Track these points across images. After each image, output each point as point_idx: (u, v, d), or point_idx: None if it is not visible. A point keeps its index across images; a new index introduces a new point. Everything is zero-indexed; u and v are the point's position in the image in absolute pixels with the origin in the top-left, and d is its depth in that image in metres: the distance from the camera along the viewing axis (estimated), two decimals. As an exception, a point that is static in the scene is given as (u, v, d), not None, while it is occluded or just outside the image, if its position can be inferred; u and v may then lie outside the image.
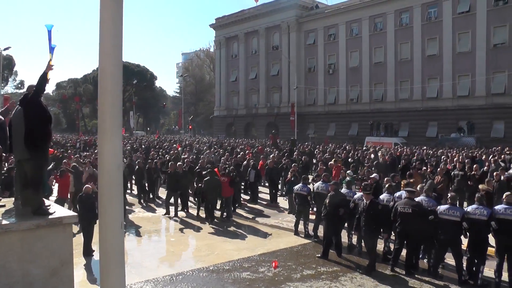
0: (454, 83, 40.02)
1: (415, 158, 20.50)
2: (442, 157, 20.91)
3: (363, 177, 13.12)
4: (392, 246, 9.30)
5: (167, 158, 19.70)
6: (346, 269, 8.95)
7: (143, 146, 29.18)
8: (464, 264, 8.09)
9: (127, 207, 13.63)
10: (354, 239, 10.45)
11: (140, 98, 79.23)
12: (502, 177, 12.71)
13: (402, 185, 11.47)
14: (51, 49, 5.33)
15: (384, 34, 45.40)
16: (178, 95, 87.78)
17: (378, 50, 46.22)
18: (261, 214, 14.88)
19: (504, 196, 8.01)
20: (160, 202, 16.35)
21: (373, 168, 16.31)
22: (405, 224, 8.52)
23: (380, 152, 23.02)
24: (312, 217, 11.75)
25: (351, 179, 13.00)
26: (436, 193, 9.95)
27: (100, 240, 3.34)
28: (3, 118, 5.66)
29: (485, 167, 15.82)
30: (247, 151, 23.34)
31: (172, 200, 14.43)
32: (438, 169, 14.64)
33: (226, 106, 63.48)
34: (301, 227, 11.70)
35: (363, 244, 9.64)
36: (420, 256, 9.23)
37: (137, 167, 16.85)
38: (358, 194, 9.92)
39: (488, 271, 8.04)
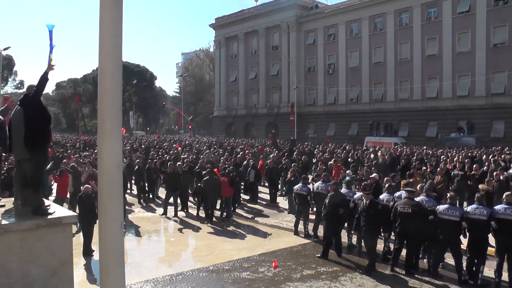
0: (454, 83, 40.03)
1: (414, 158, 20.49)
2: (442, 156, 20.91)
3: (361, 177, 13.11)
4: (392, 246, 9.30)
5: (167, 158, 19.69)
6: (346, 269, 8.95)
7: (143, 146, 29.18)
8: (464, 264, 8.10)
9: (126, 207, 13.62)
10: (354, 239, 10.45)
11: (140, 98, 79.24)
12: (501, 177, 12.71)
13: (401, 185, 11.48)
14: (50, 49, 5.33)
15: (384, 34, 45.41)
16: (178, 95, 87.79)
17: (378, 50, 46.23)
18: (261, 214, 14.88)
19: (504, 196, 8.00)
20: (160, 202, 16.34)
21: (372, 168, 16.29)
22: (404, 224, 8.52)
23: (380, 152, 23.01)
24: (312, 217, 11.75)
25: (351, 179, 13.00)
26: (436, 193, 9.95)
27: (100, 240, 3.34)
28: (2, 118, 5.66)
29: (485, 167, 15.82)
30: (246, 151, 23.33)
31: (171, 200, 14.41)
32: (438, 169, 14.64)
33: (226, 106, 63.48)
34: (301, 227, 11.70)
35: (363, 244, 9.64)
36: (420, 256, 9.24)
37: (136, 167, 16.84)
38: (358, 194, 9.92)
39: (488, 271, 8.04)
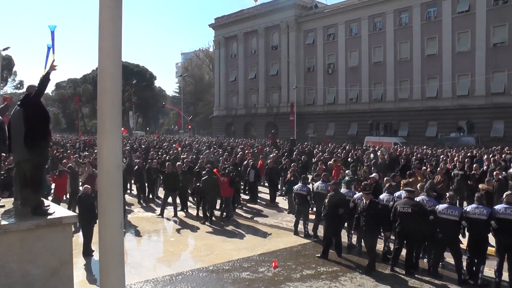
0: (454, 82, 40.04)
1: (414, 157, 20.50)
2: (442, 156, 20.91)
3: (359, 178, 13.10)
4: (392, 246, 9.30)
5: (166, 158, 19.67)
6: (346, 269, 8.95)
7: (142, 146, 29.18)
8: (464, 264, 8.09)
9: (126, 207, 13.62)
10: (354, 239, 10.45)
11: (140, 98, 79.24)
12: (500, 177, 12.71)
13: (401, 185, 11.47)
14: (52, 49, 5.35)
15: (384, 33, 45.41)
16: (177, 95, 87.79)
17: (378, 49, 46.22)
18: (261, 214, 14.88)
19: (504, 196, 8.00)
20: (160, 202, 16.33)
21: (372, 168, 16.29)
22: (404, 223, 8.52)
23: (379, 152, 23.02)
24: (312, 217, 11.75)
25: (350, 179, 12.99)
26: (436, 193, 9.95)
27: (100, 240, 3.34)
28: (2, 118, 5.66)
29: (485, 167, 15.82)
30: (246, 151, 23.34)
31: (170, 200, 14.40)
32: (438, 168, 14.64)
33: (226, 106, 63.48)
34: (300, 227, 11.70)
35: (363, 244, 9.64)
36: (420, 256, 9.24)
37: (136, 167, 16.84)
38: (358, 194, 9.92)
39: (488, 270, 8.04)
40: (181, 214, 14.34)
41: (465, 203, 12.79)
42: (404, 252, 8.75)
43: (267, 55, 57.29)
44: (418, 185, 10.20)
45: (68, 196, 14.35)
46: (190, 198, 15.43)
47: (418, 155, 21.43)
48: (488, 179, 12.13)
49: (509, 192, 8.04)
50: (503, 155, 19.77)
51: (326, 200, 9.80)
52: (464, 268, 8.07)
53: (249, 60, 59.70)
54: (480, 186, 10.57)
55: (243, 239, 11.46)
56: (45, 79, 5.23)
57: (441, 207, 8.36)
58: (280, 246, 10.57)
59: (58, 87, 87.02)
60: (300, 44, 53.54)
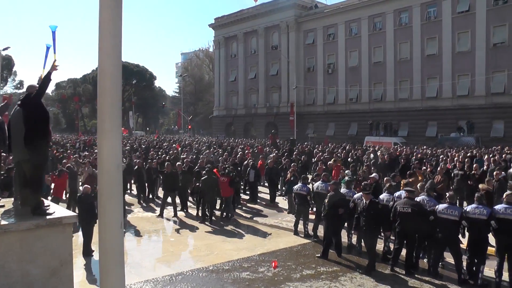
0: (454, 82, 40.04)
1: (414, 157, 20.50)
2: (441, 156, 20.91)
3: (358, 178, 13.09)
4: (392, 246, 9.30)
5: (166, 158, 19.66)
6: (346, 269, 8.95)
7: (142, 146, 29.17)
8: (464, 264, 8.09)
9: (126, 207, 13.62)
10: (354, 239, 10.45)
11: (140, 98, 79.24)
12: (500, 176, 12.71)
13: (402, 185, 11.47)
14: (53, 49, 5.36)
15: (384, 33, 45.41)
16: (177, 95, 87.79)
17: (378, 49, 46.22)
18: (261, 214, 14.88)
19: (504, 196, 8.00)
20: (160, 202, 16.33)
21: (372, 168, 16.29)
22: (404, 223, 8.52)
23: (379, 152, 23.02)
24: (312, 217, 11.74)
25: (350, 179, 12.98)
26: (436, 193, 9.95)
27: (100, 240, 3.34)
28: (2, 118, 5.66)
29: (485, 167, 15.82)
30: (246, 151, 23.34)
31: (169, 200, 14.40)
32: (438, 168, 14.64)
33: (225, 106, 63.48)
34: (300, 227, 11.70)
35: (362, 244, 9.64)
36: (420, 256, 9.24)
37: (136, 167, 16.84)
38: (358, 194, 9.92)
39: (489, 270, 8.04)
40: (181, 214, 14.34)
41: (465, 203, 12.80)
42: (404, 252, 8.75)
43: (267, 55, 57.29)
44: (418, 184, 10.20)
45: (67, 196, 14.35)
46: (190, 198, 15.42)
47: (419, 155, 21.43)
48: (488, 179, 12.13)
49: (509, 192, 8.04)
50: (503, 155, 19.76)
51: (326, 200, 9.79)
52: (464, 268, 8.07)
53: (249, 60, 59.69)
54: (480, 186, 10.57)
55: (243, 239, 11.46)
56: (46, 79, 5.23)
57: (441, 207, 8.36)
58: (280, 246, 10.57)
59: (58, 87, 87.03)
60: (300, 44, 53.54)
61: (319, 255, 9.63)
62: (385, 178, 11.99)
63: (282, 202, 16.39)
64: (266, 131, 52.48)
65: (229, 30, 61.81)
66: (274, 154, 21.32)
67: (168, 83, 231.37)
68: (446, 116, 39.68)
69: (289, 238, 11.36)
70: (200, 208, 13.89)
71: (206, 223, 13.06)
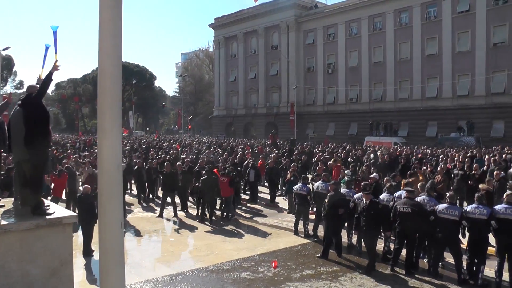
0: (454, 82, 40.03)
1: (414, 158, 20.50)
2: (441, 156, 20.90)
3: (356, 178, 13.07)
4: (392, 246, 9.30)
5: (166, 158, 19.65)
6: (346, 269, 8.95)
7: (143, 146, 29.16)
8: (465, 264, 8.09)
9: (126, 207, 13.62)
10: (354, 239, 10.45)
11: (140, 98, 79.27)
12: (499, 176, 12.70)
13: (402, 185, 11.46)
14: (55, 50, 5.37)
15: (384, 33, 45.40)
16: (177, 95, 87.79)
17: (378, 49, 46.21)
18: (261, 214, 14.88)
19: (504, 196, 8.00)
20: (160, 202, 16.32)
21: (372, 168, 16.28)
22: (404, 223, 8.52)
23: (379, 151, 23.01)
24: (312, 217, 11.74)
25: (349, 178, 12.98)
26: (436, 193, 9.94)
27: (100, 240, 3.34)
28: (2, 118, 5.66)
29: (485, 167, 15.81)
30: (246, 151, 23.35)
31: (169, 200, 14.40)
32: (438, 168, 14.63)
33: (226, 106, 63.48)
34: (300, 227, 11.70)
35: (363, 244, 9.63)
36: (420, 256, 9.24)
37: (136, 166, 16.85)
38: (358, 194, 9.91)
39: (489, 271, 8.03)
40: (181, 214, 14.34)
41: (465, 203, 12.80)
42: (404, 252, 8.75)
43: (267, 55, 57.29)
44: (419, 184, 10.20)
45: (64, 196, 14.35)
46: (190, 198, 15.41)
47: (419, 155, 21.43)
48: (488, 179, 12.13)
49: (509, 192, 8.04)
50: (503, 155, 19.75)
51: (326, 200, 9.79)
52: (464, 268, 8.07)
53: (249, 60, 59.69)
54: (481, 186, 10.57)
55: (243, 239, 11.46)
56: (47, 79, 5.22)
57: (441, 207, 8.36)
58: (280, 246, 10.56)
59: (58, 87, 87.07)
60: (300, 44, 53.53)
61: (319, 255, 9.63)
62: (385, 178, 11.99)
63: (282, 202, 16.39)
64: (266, 131, 52.47)
65: (229, 30, 61.80)
66: (274, 154, 21.32)
67: (168, 83, 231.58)
68: (446, 116, 39.67)
69: (289, 238, 11.36)
70: (200, 208, 13.89)
71: (206, 223, 13.07)
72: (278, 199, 16.87)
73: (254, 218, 14.08)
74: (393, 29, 44.56)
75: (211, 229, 12.43)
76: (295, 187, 12.14)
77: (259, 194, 17.45)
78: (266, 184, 18.29)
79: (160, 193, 17.38)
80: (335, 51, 50.08)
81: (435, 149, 26.74)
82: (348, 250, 10.13)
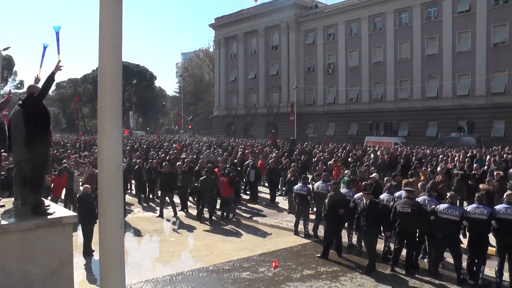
0: (454, 82, 40.02)
1: (414, 158, 20.49)
2: (441, 156, 20.89)
3: (355, 178, 13.05)
4: (392, 246, 9.29)
5: (164, 158, 19.63)
6: (346, 269, 8.95)
7: (143, 146, 29.13)
8: (465, 264, 8.09)
9: (126, 207, 13.62)
10: (354, 239, 10.45)
11: (140, 98, 79.28)
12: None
13: (402, 185, 11.45)
14: (57, 50, 5.39)
15: (384, 33, 45.38)
16: (177, 95, 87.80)
17: (378, 49, 46.20)
18: (261, 214, 14.87)
19: (504, 196, 7.99)
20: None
21: (372, 168, 16.28)
22: (404, 223, 8.51)
23: (379, 151, 23.01)
24: (312, 217, 11.74)
25: (349, 178, 12.96)
26: (437, 193, 9.93)
27: (100, 240, 3.33)
28: (2, 118, 5.67)
29: (485, 167, 15.79)
30: (246, 151, 23.35)
31: (168, 200, 14.39)
32: (438, 168, 14.62)
33: (226, 106, 63.48)
34: (301, 227, 11.69)
35: (363, 244, 9.63)
36: (421, 256, 9.23)
37: (137, 166, 16.84)
38: (358, 194, 9.90)
39: (489, 271, 8.03)
40: (181, 214, 14.34)
41: (465, 203, 12.79)
42: (404, 252, 8.75)
43: (267, 55, 57.28)
44: (419, 184, 10.19)
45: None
46: (191, 198, 15.41)
47: (419, 155, 21.42)
48: (489, 179, 12.13)
49: (509, 192, 8.03)
50: (504, 155, 19.74)
51: (326, 200, 9.79)
52: (465, 268, 8.06)
53: (249, 60, 59.68)
54: (481, 186, 10.56)
55: (243, 239, 11.46)
56: (50, 80, 5.22)
57: (441, 207, 8.35)
58: (280, 246, 10.56)
59: (58, 87, 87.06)
60: (300, 44, 53.52)
61: (319, 255, 9.62)
62: (385, 178, 11.98)
63: (282, 202, 16.39)
64: (266, 131, 52.45)
65: (229, 30, 61.80)
66: (275, 154, 21.32)
67: (168, 83, 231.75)
68: (447, 116, 39.66)
69: (289, 238, 11.36)
70: (199, 207, 13.88)
71: (206, 222, 13.06)
72: (278, 199, 16.87)
73: (254, 218, 14.07)
74: (393, 29, 44.55)
75: (211, 229, 12.43)
76: (295, 187, 12.14)
77: (259, 194, 17.45)
78: (266, 184, 18.29)
79: (160, 193, 17.41)
80: (335, 51, 50.07)
81: (435, 149, 26.73)
82: (348, 250, 10.12)
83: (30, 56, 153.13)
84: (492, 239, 8.12)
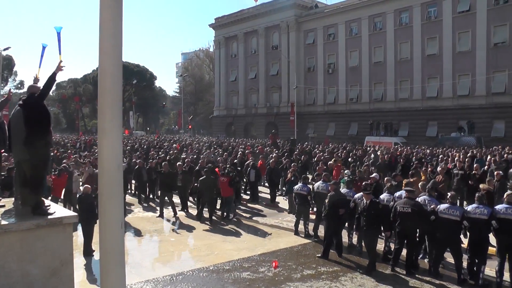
0: (454, 82, 40.01)
1: (414, 158, 20.49)
2: (440, 156, 20.88)
3: (354, 178, 13.05)
4: (392, 246, 9.29)
5: (164, 157, 19.62)
6: (347, 269, 8.95)
7: (144, 146, 29.11)
8: (465, 264, 8.08)
9: (126, 207, 13.62)
10: (354, 239, 10.44)
11: (140, 98, 79.29)
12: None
13: (403, 184, 11.44)
14: (59, 50, 5.40)
15: (384, 33, 45.37)
16: (177, 95, 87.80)
17: (378, 49, 46.18)
18: (261, 214, 14.87)
19: (505, 196, 7.99)
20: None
21: (372, 168, 16.27)
22: (404, 223, 8.51)
23: (379, 151, 23.00)
24: (312, 217, 11.74)
25: (348, 178, 12.94)
26: (437, 193, 9.93)
27: (100, 240, 3.34)
28: (2, 119, 5.67)
29: (486, 167, 15.79)
30: (247, 151, 23.35)
31: (167, 200, 14.39)
32: (439, 168, 14.62)
33: (226, 106, 63.47)
34: (301, 227, 11.69)
35: (363, 244, 9.63)
36: (421, 255, 9.23)
37: (137, 166, 16.84)
38: (358, 194, 9.90)
39: (489, 271, 8.02)
40: (181, 214, 14.33)
41: (465, 203, 12.78)
42: (404, 252, 8.74)
43: (267, 55, 57.27)
44: (420, 184, 10.19)
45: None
46: (191, 198, 15.40)
47: (419, 155, 21.40)
48: (489, 179, 12.12)
49: (509, 192, 8.03)
50: (504, 155, 19.73)
51: (327, 200, 9.79)
52: (465, 268, 8.06)
53: (249, 60, 59.67)
54: (481, 186, 10.56)
55: (243, 239, 11.45)
56: (51, 80, 5.22)
57: (442, 207, 8.34)
58: (280, 246, 10.56)
59: (58, 87, 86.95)
60: (300, 44, 53.51)
61: (319, 255, 9.62)
62: (385, 178, 11.97)
63: (283, 202, 16.38)
64: (266, 131, 52.44)
65: (229, 30, 61.78)
66: (275, 154, 21.31)
67: (168, 83, 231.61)
68: (447, 116, 39.65)
69: (290, 238, 11.35)
70: (199, 207, 13.88)
71: (206, 222, 13.06)
72: (279, 199, 16.87)
73: (254, 218, 14.07)
74: (394, 29, 44.53)
75: (211, 229, 12.42)
76: (296, 187, 12.13)
77: (259, 194, 17.44)
78: (267, 184, 18.28)
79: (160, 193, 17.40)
80: (336, 51, 50.05)
81: (435, 149, 26.72)
82: (349, 250, 10.12)
83: (30, 56, 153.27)
84: (492, 239, 8.11)
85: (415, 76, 42.80)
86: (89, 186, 10.51)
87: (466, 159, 17.12)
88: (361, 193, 9.45)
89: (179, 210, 14.39)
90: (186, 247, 11.18)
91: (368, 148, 27.35)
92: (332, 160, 18.05)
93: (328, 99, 50.95)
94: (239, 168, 17.30)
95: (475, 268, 7.99)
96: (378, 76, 45.99)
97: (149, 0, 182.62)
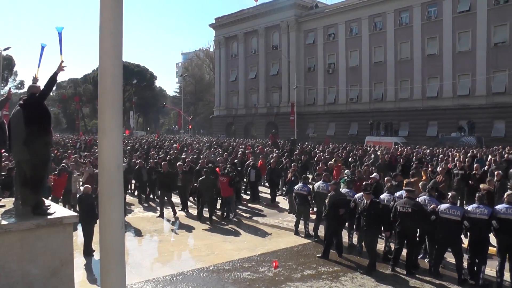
0: (455, 82, 40.00)
1: (414, 158, 20.48)
2: (441, 156, 20.88)
3: (353, 178, 13.04)
4: (392, 246, 9.29)
5: (164, 157, 19.62)
6: (347, 269, 8.94)
7: (144, 146, 29.10)
8: (466, 264, 8.08)
9: (126, 207, 13.61)
10: (355, 239, 10.44)
11: (140, 98, 79.30)
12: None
13: (404, 184, 11.43)
14: (60, 50, 5.40)
15: (384, 33, 45.37)
16: (177, 95, 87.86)
17: (378, 49, 46.18)
18: (261, 214, 14.87)
19: (505, 196, 7.98)
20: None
21: (372, 168, 16.27)
22: (404, 223, 8.51)
23: (379, 151, 22.99)
24: (313, 217, 11.74)
25: (348, 178, 12.93)
26: (438, 193, 9.92)
27: (101, 240, 3.33)
28: (2, 119, 5.67)
29: (486, 167, 15.78)
30: (247, 151, 23.35)
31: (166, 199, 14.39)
32: (439, 168, 14.61)
33: (226, 106, 63.47)
34: (301, 227, 11.69)
35: (363, 244, 9.62)
36: (421, 255, 9.22)
37: (137, 166, 16.84)
38: (359, 194, 9.90)
39: (490, 271, 8.02)
40: (181, 214, 14.33)
41: (465, 203, 12.77)
42: (404, 252, 8.74)
43: (267, 55, 57.27)
44: (420, 184, 10.18)
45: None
46: (191, 198, 15.40)
47: (419, 155, 21.39)
48: (489, 179, 12.11)
49: (510, 192, 8.02)
50: (504, 155, 19.72)
51: (327, 200, 9.78)
52: (465, 268, 8.05)
53: (249, 60, 59.67)
54: (481, 186, 10.56)
55: (243, 239, 11.45)
56: (52, 80, 5.22)
57: (443, 207, 8.34)
58: (280, 246, 10.56)
59: (58, 87, 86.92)
60: (300, 44, 53.51)
61: (319, 255, 9.62)
62: (385, 178, 11.96)
63: (283, 202, 16.38)
64: (266, 131, 52.44)
65: (230, 30, 61.78)
66: (275, 154, 21.31)
67: (168, 83, 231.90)
68: (447, 116, 39.64)
69: (290, 238, 11.35)
70: (199, 207, 13.88)
71: (207, 222, 13.06)
72: (279, 199, 16.87)
73: (255, 218, 14.07)
74: (394, 29, 44.53)
75: (211, 229, 12.42)
76: (296, 187, 12.13)
77: (259, 194, 17.43)
78: (267, 184, 18.28)
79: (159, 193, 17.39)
80: (336, 51, 50.06)
81: (436, 149, 26.71)
82: (349, 250, 10.12)
83: (30, 56, 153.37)
84: (492, 239, 8.11)
85: (415, 76, 42.79)
86: (89, 186, 10.51)
87: (467, 159, 17.10)
88: (361, 193, 9.44)
89: (179, 210, 14.39)
90: (186, 247, 11.18)
91: (368, 148, 27.33)
92: (332, 160, 18.05)
93: (328, 99, 50.96)
94: (239, 168, 17.29)
95: (475, 268, 7.98)
96: (378, 76, 45.99)
97: (149, 0, 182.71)
